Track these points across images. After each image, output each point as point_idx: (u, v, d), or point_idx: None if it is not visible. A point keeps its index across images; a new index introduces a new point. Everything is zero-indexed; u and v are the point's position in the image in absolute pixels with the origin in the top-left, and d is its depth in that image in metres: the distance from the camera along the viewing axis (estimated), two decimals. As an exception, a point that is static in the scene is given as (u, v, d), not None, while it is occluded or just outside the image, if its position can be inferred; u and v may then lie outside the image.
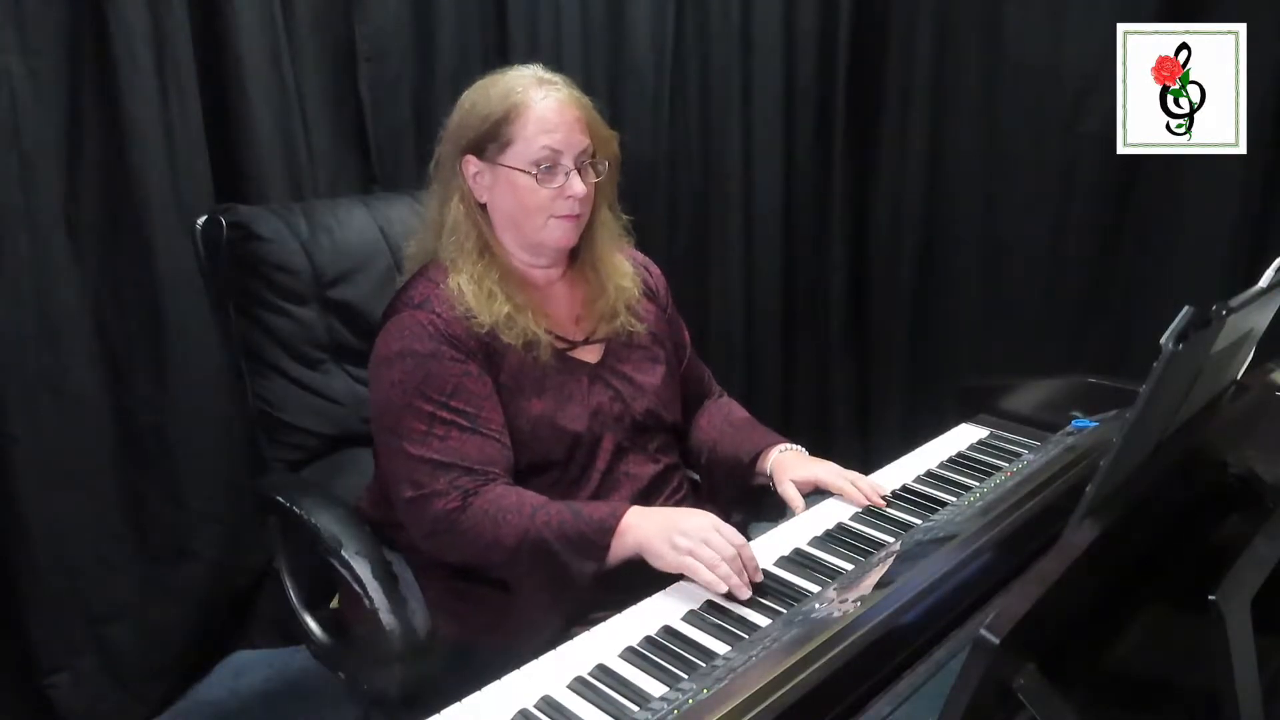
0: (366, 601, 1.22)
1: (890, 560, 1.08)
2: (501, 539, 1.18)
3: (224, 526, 2.03)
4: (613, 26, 2.26)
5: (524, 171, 1.27)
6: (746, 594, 1.08)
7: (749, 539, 1.19)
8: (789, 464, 1.39)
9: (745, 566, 1.10)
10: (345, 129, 2.11)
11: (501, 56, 2.16)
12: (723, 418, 1.52)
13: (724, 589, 1.08)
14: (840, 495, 1.32)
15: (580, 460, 1.32)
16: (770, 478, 1.40)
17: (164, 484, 1.96)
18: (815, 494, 1.35)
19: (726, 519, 1.36)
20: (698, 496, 1.48)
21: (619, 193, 1.42)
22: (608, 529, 1.16)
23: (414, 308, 1.28)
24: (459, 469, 1.22)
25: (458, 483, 1.21)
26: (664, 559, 1.13)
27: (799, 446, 1.43)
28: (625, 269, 1.42)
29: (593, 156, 1.32)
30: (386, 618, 1.20)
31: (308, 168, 2.02)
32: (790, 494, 1.34)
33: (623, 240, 1.44)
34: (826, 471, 1.35)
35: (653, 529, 1.15)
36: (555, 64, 1.41)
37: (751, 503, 1.46)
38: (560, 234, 1.31)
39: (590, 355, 1.37)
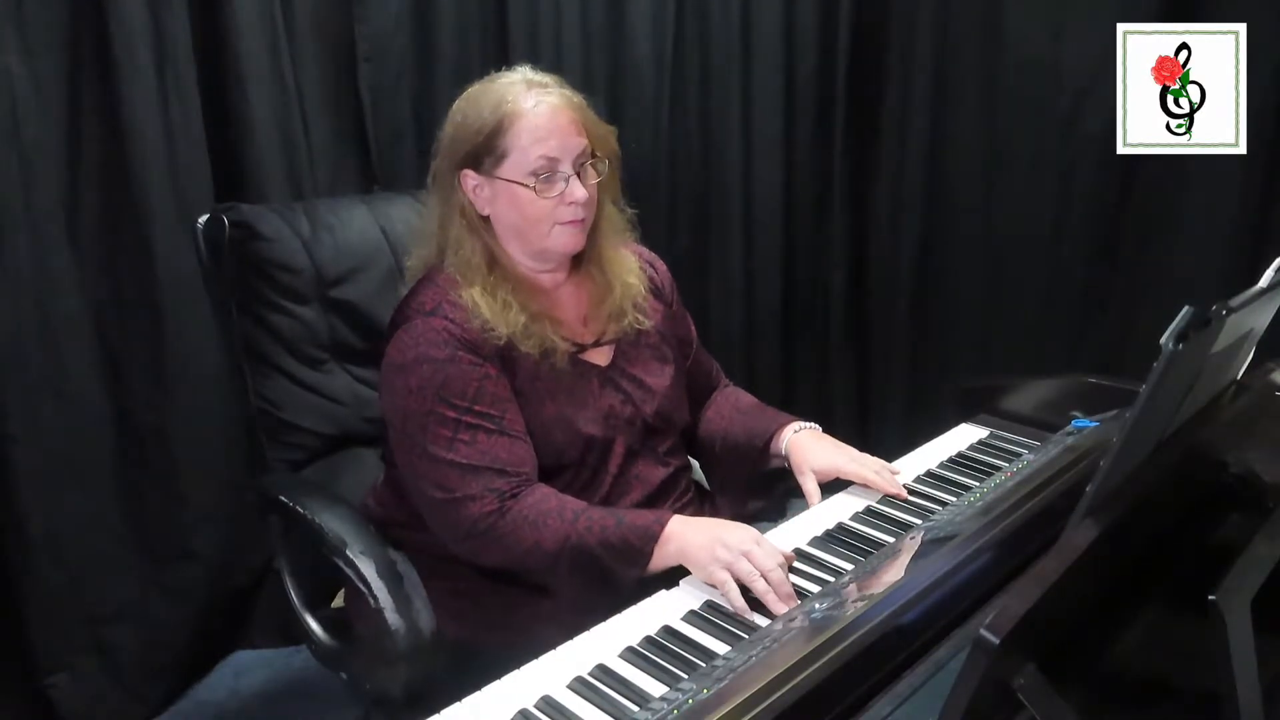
0: (371, 600, 1.22)
1: (906, 558, 1.08)
2: (543, 543, 1.18)
3: (224, 526, 2.03)
4: (613, 26, 2.25)
5: (522, 184, 1.25)
6: (782, 609, 1.06)
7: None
8: (808, 448, 1.37)
9: (785, 583, 1.08)
10: (345, 129, 2.11)
11: (501, 57, 2.15)
12: (731, 405, 1.52)
13: (750, 614, 1.07)
14: (864, 484, 1.31)
15: (592, 463, 1.31)
16: (786, 459, 1.39)
17: (164, 484, 1.96)
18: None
19: (741, 508, 1.35)
20: (703, 500, 1.47)
21: (621, 188, 1.41)
22: (652, 535, 1.16)
23: (426, 314, 1.26)
24: (492, 472, 1.21)
25: (493, 485, 1.20)
26: (704, 570, 1.12)
27: (813, 424, 1.43)
28: (631, 265, 1.41)
29: (592, 156, 1.30)
30: (391, 616, 1.20)
31: (307, 168, 2.02)
32: (810, 488, 1.33)
33: (627, 235, 1.43)
34: (847, 461, 1.34)
35: (697, 539, 1.14)
36: (555, 64, 1.40)
37: (766, 489, 1.45)
38: (566, 240, 1.30)
39: (600, 358, 1.36)
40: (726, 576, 1.09)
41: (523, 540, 1.19)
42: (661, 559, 1.16)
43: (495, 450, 1.22)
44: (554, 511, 1.19)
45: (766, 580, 1.07)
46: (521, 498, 1.21)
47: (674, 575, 1.15)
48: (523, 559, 1.21)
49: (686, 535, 1.15)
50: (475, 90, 1.30)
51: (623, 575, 1.17)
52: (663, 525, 1.16)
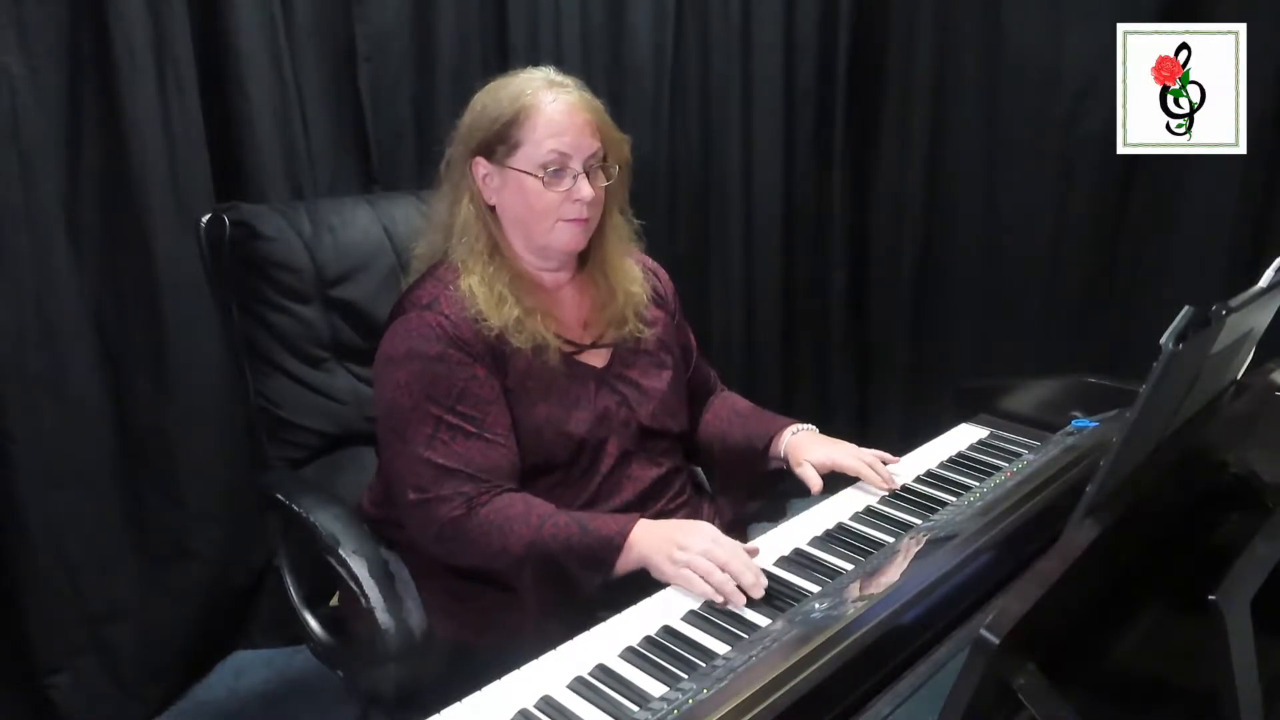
0: (363, 600, 1.22)
1: (906, 558, 1.09)
2: (509, 547, 1.19)
3: (224, 526, 2.03)
4: (613, 27, 2.26)
5: (531, 174, 1.26)
6: (741, 601, 1.07)
7: (748, 540, 1.19)
8: (805, 445, 1.40)
9: (749, 570, 1.10)
10: (345, 129, 2.11)
11: (501, 57, 2.15)
12: (729, 409, 1.53)
13: (719, 599, 1.08)
14: (858, 477, 1.32)
15: (583, 464, 1.32)
16: (785, 460, 1.40)
17: (164, 484, 1.96)
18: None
19: (741, 509, 1.36)
20: (701, 498, 1.47)
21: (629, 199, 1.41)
22: (615, 547, 1.17)
23: (421, 308, 1.27)
24: (463, 475, 1.22)
25: (462, 489, 1.21)
26: (663, 573, 1.14)
27: (811, 426, 1.44)
28: (635, 274, 1.42)
29: (603, 160, 1.31)
30: (382, 616, 1.21)
31: (307, 168, 2.02)
32: (808, 474, 1.34)
33: (633, 245, 1.44)
34: (843, 454, 1.35)
35: (655, 543, 1.16)
36: (555, 65, 1.40)
37: (766, 490, 1.46)
38: (568, 237, 1.30)
39: (597, 360, 1.36)
40: (688, 574, 1.11)
41: (490, 543, 1.20)
42: (625, 565, 1.17)
43: (471, 454, 1.23)
44: (519, 517, 1.20)
45: (727, 571, 1.08)
46: (489, 502, 1.21)
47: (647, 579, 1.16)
48: (490, 561, 1.22)
49: (647, 541, 1.16)
50: (497, 83, 1.32)
51: (586, 580, 1.18)
52: (625, 536, 1.17)
